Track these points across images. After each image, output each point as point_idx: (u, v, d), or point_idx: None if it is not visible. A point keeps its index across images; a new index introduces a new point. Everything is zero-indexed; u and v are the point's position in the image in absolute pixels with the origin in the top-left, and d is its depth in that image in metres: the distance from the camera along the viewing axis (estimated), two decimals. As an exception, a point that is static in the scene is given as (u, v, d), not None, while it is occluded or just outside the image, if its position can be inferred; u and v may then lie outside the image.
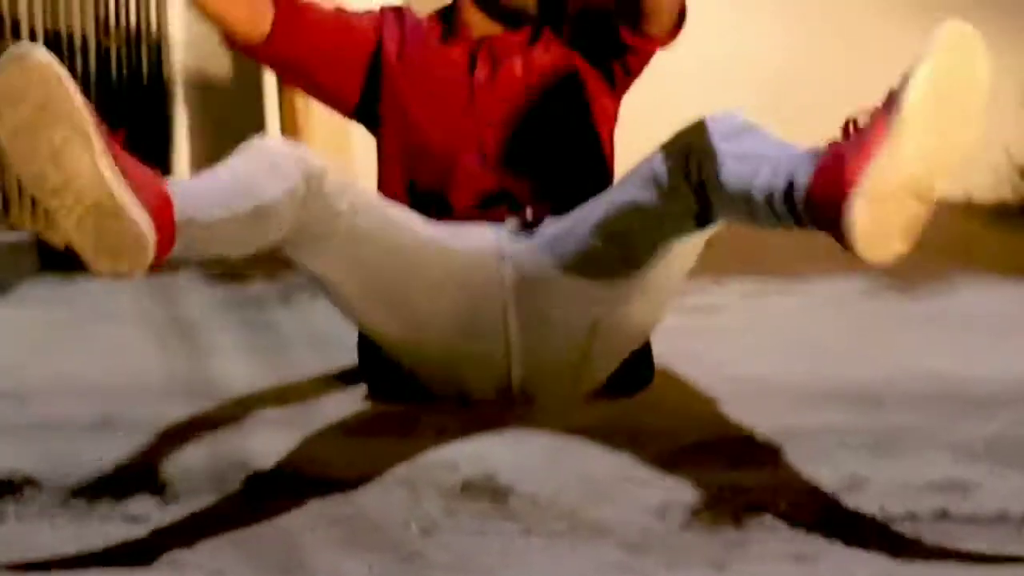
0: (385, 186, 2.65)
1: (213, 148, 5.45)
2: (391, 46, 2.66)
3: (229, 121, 5.38)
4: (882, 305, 3.84)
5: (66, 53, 4.65)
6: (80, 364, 3.39)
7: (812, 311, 3.76)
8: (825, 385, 2.85)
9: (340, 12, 2.70)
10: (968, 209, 5.02)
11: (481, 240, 2.50)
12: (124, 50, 5.04)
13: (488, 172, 2.58)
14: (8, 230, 4.35)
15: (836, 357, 3.33)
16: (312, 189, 2.26)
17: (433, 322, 2.48)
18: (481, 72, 2.58)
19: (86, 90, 4.69)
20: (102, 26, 4.90)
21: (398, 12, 2.73)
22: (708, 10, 5.35)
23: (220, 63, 5.47)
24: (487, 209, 2.58)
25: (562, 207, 2.51)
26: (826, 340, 3.46)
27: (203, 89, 5.51)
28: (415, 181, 2.62)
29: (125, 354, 3.43)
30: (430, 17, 2.75)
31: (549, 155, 2.59)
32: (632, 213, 2.33)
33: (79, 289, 4.12)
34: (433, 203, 2.59)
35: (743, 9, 5.16)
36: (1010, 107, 5.05)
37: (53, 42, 4.60)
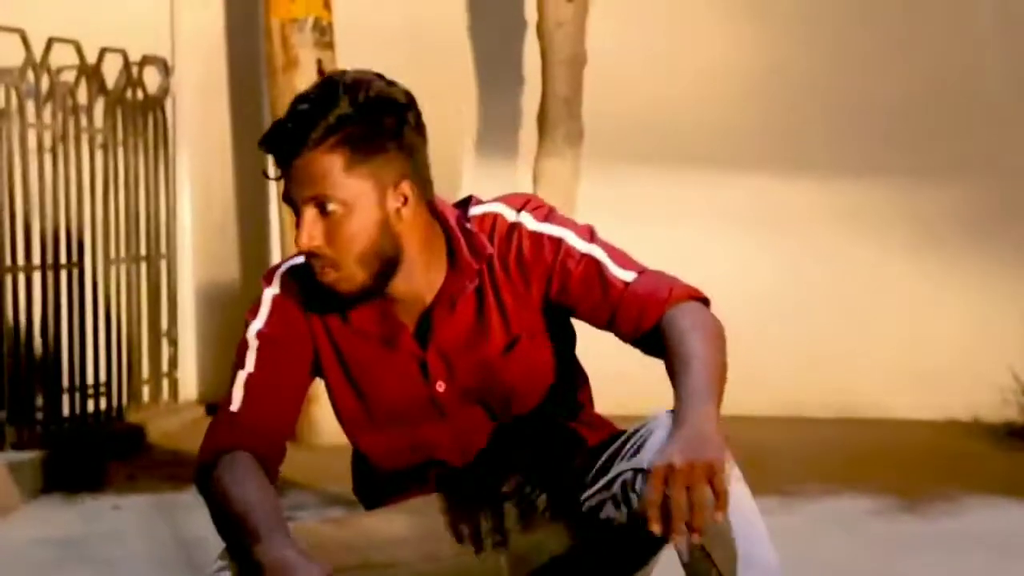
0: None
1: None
2: (327, 352, 2.41)
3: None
4: (888, 525, 3.82)
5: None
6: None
7: (817, 530, 3.74)
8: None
9: (270, 372, 2.37)
10: (975, 429, 5.03)
11: (462, 536, 2.45)
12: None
13: (470, 465, 2.44)
14: (11, 450, 4.37)
15: (841, 577, 3.32)
16: None
17: None
18: (439, 384, 2.39)
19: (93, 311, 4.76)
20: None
21: (300, 291, 2.38)
22: (706, 238, 5.47)
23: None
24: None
25: (548, 467, 2.45)
26: (831, 560, 3.44)
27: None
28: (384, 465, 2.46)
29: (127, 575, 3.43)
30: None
31: (532, 436, 2.44)
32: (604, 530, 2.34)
33: (84, 509, 4.12)
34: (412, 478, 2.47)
35: (735, 239, 5.36)
36: (1014, 330, 5.09)
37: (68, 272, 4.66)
